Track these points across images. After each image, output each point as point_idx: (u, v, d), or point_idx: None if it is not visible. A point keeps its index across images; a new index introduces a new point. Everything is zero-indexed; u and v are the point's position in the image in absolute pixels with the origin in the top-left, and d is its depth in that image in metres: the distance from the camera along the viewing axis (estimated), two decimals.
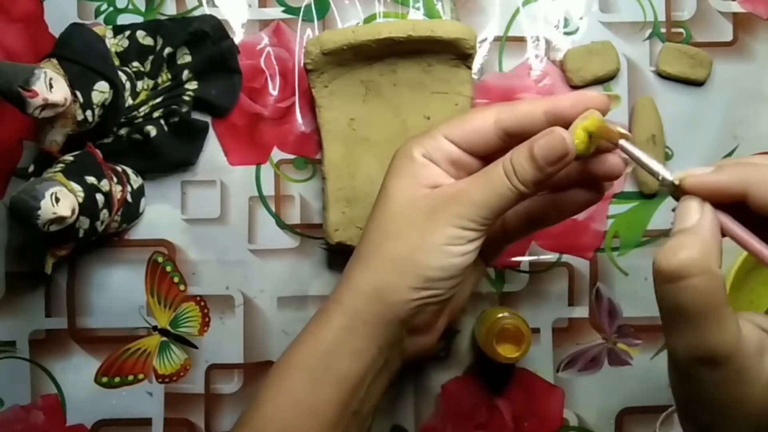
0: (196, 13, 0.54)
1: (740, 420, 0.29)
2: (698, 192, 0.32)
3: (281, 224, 0.54)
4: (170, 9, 0.54)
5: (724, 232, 0.32)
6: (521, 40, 0.55)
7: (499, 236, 0.43)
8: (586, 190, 0.41)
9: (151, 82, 0.53)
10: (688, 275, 0.29)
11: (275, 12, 0.54)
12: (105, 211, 0.48)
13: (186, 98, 0.52)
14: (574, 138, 0.36)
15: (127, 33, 0.53)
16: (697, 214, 0.31)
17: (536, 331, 0.54)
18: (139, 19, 0.54)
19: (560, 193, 0.42)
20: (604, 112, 0.37)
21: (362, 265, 0.40)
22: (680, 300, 0.29)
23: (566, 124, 0.37)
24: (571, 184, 0.41)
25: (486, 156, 0.40)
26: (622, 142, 0.37)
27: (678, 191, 0.34)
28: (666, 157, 0.54)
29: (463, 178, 0.39)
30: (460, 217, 0.38)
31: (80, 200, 0.45)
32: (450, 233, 0.38)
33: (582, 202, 0.41)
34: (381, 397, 0.43)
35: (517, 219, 0.43)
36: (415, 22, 0.50)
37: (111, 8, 0.54)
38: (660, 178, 0.35)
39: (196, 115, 0.54)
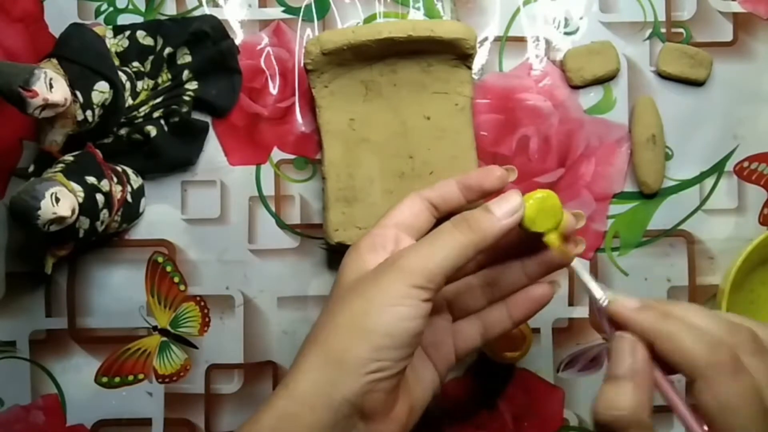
0: (197, 13, 0.54)
1: None
2: (617, 320, 0.35)
3: (281, 224, 0.54)
4: (170, 9, 0.54)
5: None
6: (521, 40, 0.55)
7: (451, 354, 0.43)
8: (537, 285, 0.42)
9: (151, 82, 0.53)
10: (622, 430, 0.31)
11: (275, 12, 0.54)
12: (105, 211, 0.48)
13: (186, 98, 0.52)
14: (524, 205, 0.38)
15: (127, 33, 0.53)
16: (629, 358, 0.33)
17: (536, 331, 0.54)
18: (139, 19, 0.54)
19: (514, 295, 0.42)
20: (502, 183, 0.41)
21: (310, 346, 0.37)
22: None
23: (477, 192, 0.41)
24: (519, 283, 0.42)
25: None
26: (573, 264, 0.39)
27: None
28: (666, 157, 0.54)
29: None
30: (406, 274, 0.35)
31: (80, 200, 0.45)
32: (397, 292, 0.35)
33: (535, 298, 0.42)
34: None
35: (471, 331, 0.43)
36: (415, 22, 0.50)
37: (111, 8, 0.54)
38: (591, 295, 0.37)
39: (196, 115, 0.54)
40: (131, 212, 0.52)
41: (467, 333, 0.42)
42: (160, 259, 0.54)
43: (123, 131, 0.52)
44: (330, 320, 0.37)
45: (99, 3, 0.54)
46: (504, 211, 0.37)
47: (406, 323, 0.35)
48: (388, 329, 0.35)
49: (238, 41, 0.54)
